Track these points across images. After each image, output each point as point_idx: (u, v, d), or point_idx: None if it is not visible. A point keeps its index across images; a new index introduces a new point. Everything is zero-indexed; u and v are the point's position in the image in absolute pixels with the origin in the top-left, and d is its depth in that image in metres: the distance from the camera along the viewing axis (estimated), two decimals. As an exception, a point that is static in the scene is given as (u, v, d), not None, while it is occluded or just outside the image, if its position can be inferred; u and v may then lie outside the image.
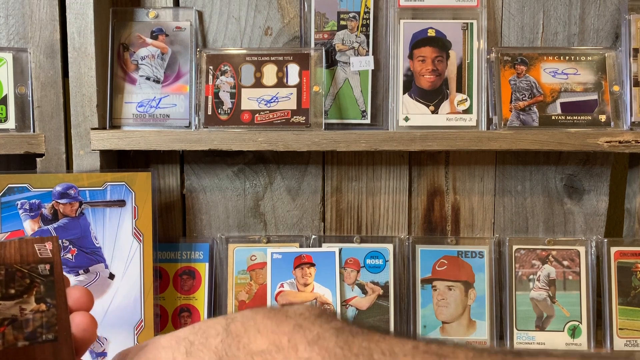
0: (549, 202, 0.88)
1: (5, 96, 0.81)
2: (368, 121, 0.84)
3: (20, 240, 0.46)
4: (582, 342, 0.84)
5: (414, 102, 0.82)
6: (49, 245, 0.46)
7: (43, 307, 0.44)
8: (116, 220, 0.78)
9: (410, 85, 0.82)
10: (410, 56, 0.82)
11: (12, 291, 0.44)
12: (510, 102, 0.81)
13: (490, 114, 0.82)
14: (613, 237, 0.89)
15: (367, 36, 0.84)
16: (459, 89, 0.82)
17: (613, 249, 0.85)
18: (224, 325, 0.44)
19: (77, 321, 0.45)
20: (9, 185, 0.77)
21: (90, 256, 0.77)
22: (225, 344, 0.43)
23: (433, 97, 0.82)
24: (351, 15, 0.84)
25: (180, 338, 0.46)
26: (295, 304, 0.45)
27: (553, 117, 0.81)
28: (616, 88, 0.81)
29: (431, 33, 0.82)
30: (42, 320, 0.43)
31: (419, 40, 0.82)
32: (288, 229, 0.89)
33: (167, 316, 0.85)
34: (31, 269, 0.45)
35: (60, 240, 0.77)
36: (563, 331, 0.84)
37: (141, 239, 0.78)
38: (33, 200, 0.77)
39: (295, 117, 0.81)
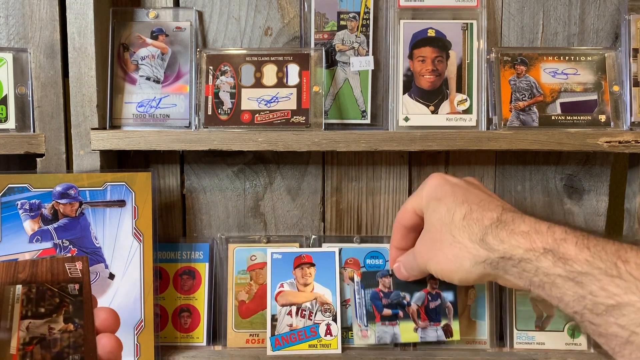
0: (548, 202, 0.89)
1: (6, 96, 0.81)
2: (368, 121, 0.84)
3: (52, 259, 0.46)
4: (582, 342, 0.84)
5: (414, 102, 0.82)
6: (79, 265, 0.47)
7: (71, 327, 0.44)
8: (116, 220, 0.78)
9: (410, 85, 0.82)
10: (410, 56, 0.82)
11: (42, 310, 0.44)
12: (510, 102, 0.81)
13: (490, 114, 0.82)
14: (613, 237, 0.88)
15: (367, 36, 0.84)
16: (459, 89, 0.82)
17: (613, 249, 0.85)
18: (500, 211, 0.60)
19: (102, 343, 0.46)
20: (9, 185, 0.77)
21: (90, 256, 0.77)
22: (494, 225, 0.58)
23: (433, 97, 0.82)
24: (351, 15, 0.84)
25: (464, 202, 0.62)
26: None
27: (553, 117, 0.81)
28: (616, 88, 0.81)
29: (431, 33, 0.82)
30: (69, 341, 0.43)
31: (419, 41, 0.82)
32: (288, 229, 0.89)
33: (167, 316, 0.85)
34: (61, 288, 0.45)
35: (60, 240, 0.77)
36: (563, 331, 0.84)
37: (141, 239, 0.78)
38: (33, 200, 0.77)
39: (295, 117, 0.81)
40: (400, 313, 0.81)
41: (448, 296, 0.82)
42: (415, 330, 0.81)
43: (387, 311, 0.81)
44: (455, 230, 0.60)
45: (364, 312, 0.82)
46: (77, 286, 0.47)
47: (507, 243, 0.56)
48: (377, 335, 0.81)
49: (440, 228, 0.62)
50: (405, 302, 0.81)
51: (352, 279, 0.83)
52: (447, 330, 0.82)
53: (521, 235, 0.55)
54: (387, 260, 0.86)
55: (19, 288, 0.46)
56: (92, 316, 0.46)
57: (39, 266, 0.47)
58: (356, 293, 0.82)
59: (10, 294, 0.45)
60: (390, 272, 0.80)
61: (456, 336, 0.81)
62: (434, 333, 0.81)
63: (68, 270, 0.48)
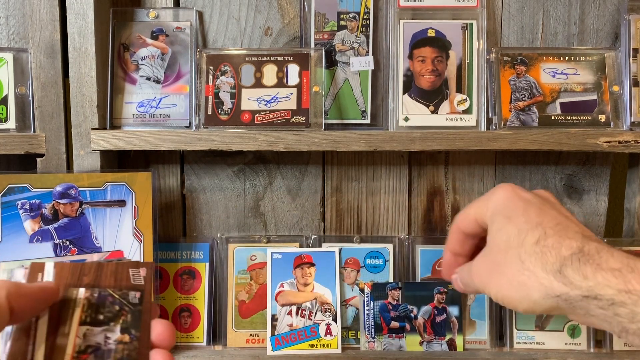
0: (548, 202, 0.88)
1: (6, 96, 0.81)
2: (368, 121, 0.84)
3: (117, 263, 0.43)
4: (581, 341, 0.84)
5: (413, 102, 0.82)
6: (142, 272, 0.44)
7: (127, 338, 0.41)
8: (116, 220, 0.78)
9: (410, 85, 0.82)
10: (410, 56, 0.82)
11: (101, 317, 0.41)
12: (510, 102, 0.81)
13: (490, 114, 0.82)
14: (613, 237, 0.89)
15: (367, 36, 0.84)
16: (459, 89, 0.82)
17: (613, 249, 0.85)
18: (580, 240, 0.52)
19: None
20: (9, 185, 0.77)
21: (90, 256, 0.77)
22: (575, 257, 0.50)
23: (433, 97, 0.82)
24: (351, 15, 0.84)
25: (538, 224, 0.54)
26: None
27: (553, 117, 0.81)
28: (616, 88, 0.82)
29: (431, 33, 0.83)
30: (123, 353, 0.41)
31: (419, 41, 0.82)
32: (288, 229, 0.90)
33: (168, 316, 0.85)
34: (122, 295, 0.42)
35: (60, 240, 0.77)
36: (563, 331, 0.84)
37: (141, 239, 0.78)
38: (33, 200, 0.77)
39: (295, 117, 0.81)
40: (407, 326, 0.82)
41: (453, 311, 0.82)
42: (421, 343, 0.82)
43: (394, 324, 0.82)
44: (524, 256, 0.53)
45: (372, 323, 0.82)
46: (137, 294, 0.44)
47: (592, 280, 0.49)
48: (384, 347, 0.82)
49: (506, 250, 0.55)
50: (412, 315, 0.82)
51: (362, 290, 0.83)
52: (451, 345, 0.82)
53: (611, 272, 0.49)
54: (387, 260, 0.86)
55: (81, 292, 0.43)
56: (149, 329, 0.43)
57: (103, 269, 0.44)
58: (365, 304, 0.83)
59: (73, 297, 0.43)
60: (399, 286, 0.82)
61: (459, 350, 0.82)
62: (439, 347, 0.82)
63: (131, 277, 0.45)
